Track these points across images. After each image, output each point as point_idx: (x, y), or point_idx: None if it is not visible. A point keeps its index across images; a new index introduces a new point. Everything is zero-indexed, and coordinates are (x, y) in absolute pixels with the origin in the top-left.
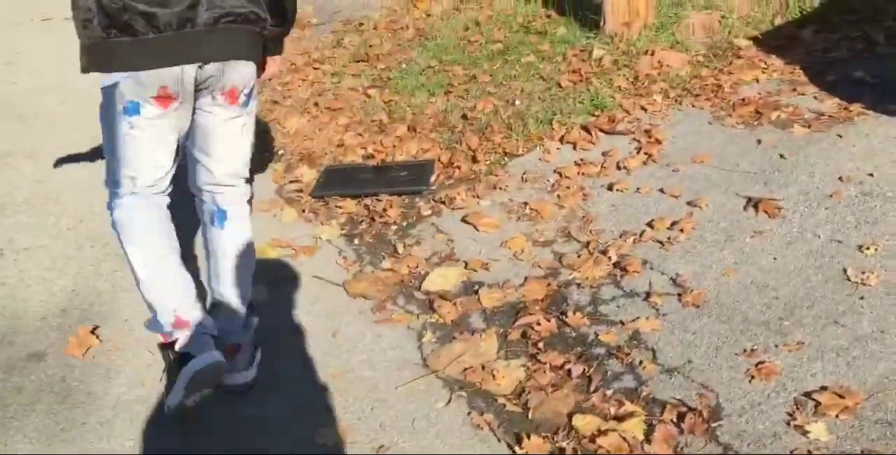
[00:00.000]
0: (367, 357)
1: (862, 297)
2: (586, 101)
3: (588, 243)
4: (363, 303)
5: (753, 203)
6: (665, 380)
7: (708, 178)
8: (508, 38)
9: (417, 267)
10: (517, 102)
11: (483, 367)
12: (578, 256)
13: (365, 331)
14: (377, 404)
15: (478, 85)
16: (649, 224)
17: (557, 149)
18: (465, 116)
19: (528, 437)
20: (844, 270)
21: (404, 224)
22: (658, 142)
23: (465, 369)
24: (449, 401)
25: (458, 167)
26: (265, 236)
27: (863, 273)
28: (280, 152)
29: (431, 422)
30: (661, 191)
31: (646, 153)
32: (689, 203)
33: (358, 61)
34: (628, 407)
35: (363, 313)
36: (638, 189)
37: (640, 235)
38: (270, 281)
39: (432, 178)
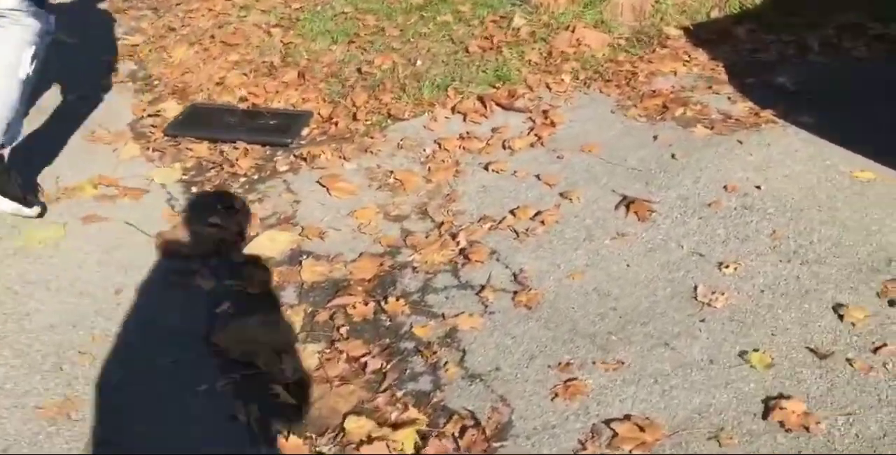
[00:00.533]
0: (146, 322)
1: (703, 320)
2: (490, 70)
3: (441, 224)
4: (171, 260)
5: (627, 202)
6: (464, 386)
7: (590, 170)
8: None
9: (249, 226)
10: (418, 63)
11: (273, 350)
12: (426, 237)
13: (157, 292)
14: (126, 380)
15: (384, 38)
16: (512, 211)
17: (446, 118)
18: (360, 70)
19: (287, 436)
20: (695, 288)
21: (255, 177)
22: (552, 124)
23: (251, 349)
24: (215, 384)
25: (336, 123)
26: (91, 171)
27: (713, 293)
28: (155, 83)
29: (184, 407)
30: (538, 177)
31: (536, 135)
32: (561, 194)
33: None
34: (412, 413)
35: (164, 271)
36: (515, 172)
37: (499, 222)
38: (70, 219)
39: (304, 132)
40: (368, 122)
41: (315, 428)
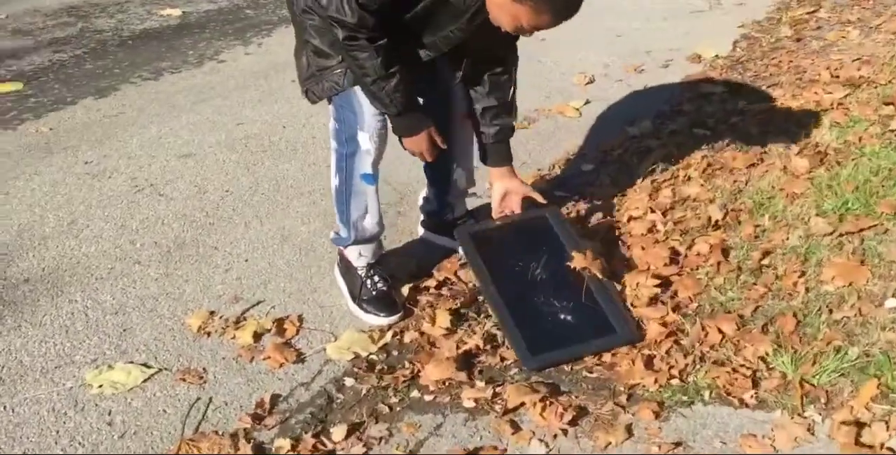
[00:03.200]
0: None
1: None
2: None
3: None
4: None
5: None
6: None
7: None
8: None
9: None
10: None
11: None
12: None
13: None
14: None
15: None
16: None
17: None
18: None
19: None
20: None
21: (426, 399)
22: None
23: None
24: None
25: (633, 361)
26: (297, 307)
27: None
28: None
29: None
30: None
31: None
32: None
33: None
34: None
35: None
36: None
37: None
38: (174, 367)
39: (607, 355)
40: (661, 387)
41: None
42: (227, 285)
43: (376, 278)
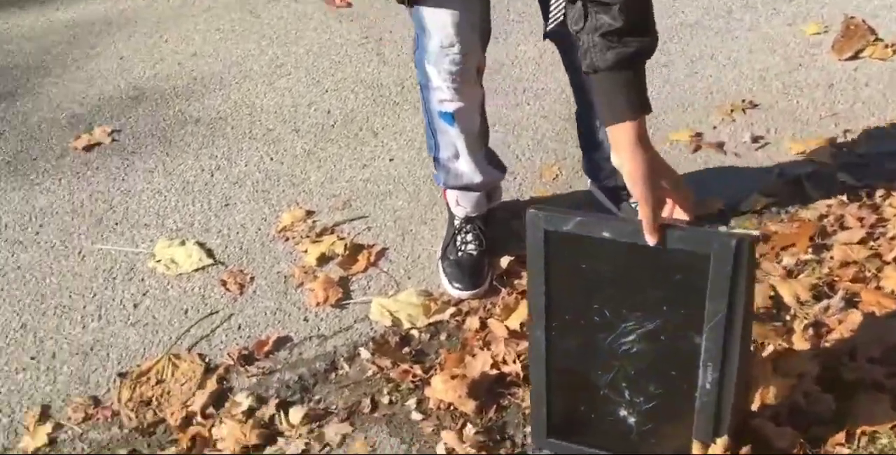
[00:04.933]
0: None
1: None
2: None
3: None
4: None
5: None
6: None
7: None
8: None
9: None
10: None
11: None
12: None
13: None
14: None
15: None
16: None
17: None
18: None
19: None
20: None
21: None
22: None
23: None
24: None
25: None
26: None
27: None
28: None
29: None
30: None
31: None
32: None
33: None
34: None
35: None
36: None
37: None
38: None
39: None
40: None
41: None
42: (350, 185)
43: (469, 237)
